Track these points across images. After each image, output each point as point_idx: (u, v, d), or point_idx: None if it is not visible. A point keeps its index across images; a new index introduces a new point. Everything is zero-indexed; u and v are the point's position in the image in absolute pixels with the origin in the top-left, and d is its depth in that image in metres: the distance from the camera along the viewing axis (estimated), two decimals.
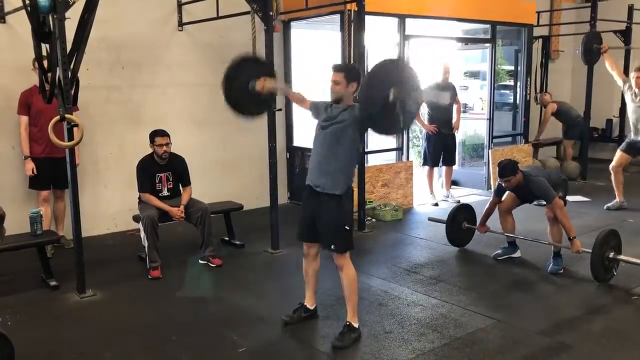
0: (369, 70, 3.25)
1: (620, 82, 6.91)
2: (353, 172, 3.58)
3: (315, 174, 3.56)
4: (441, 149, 7.20)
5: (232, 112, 3.95)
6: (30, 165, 5.10)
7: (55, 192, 5.34)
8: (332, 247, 3.51)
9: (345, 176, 3.51)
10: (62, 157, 4.88)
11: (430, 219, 5.95)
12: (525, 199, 4.97)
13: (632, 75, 6.60)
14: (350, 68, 3.56)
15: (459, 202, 7.25)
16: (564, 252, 4.81)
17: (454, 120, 7.29)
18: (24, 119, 5.07)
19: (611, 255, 4.37)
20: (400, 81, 3.17)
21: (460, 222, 5.36)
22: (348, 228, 3.54)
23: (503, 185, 4.79)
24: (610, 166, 6.91)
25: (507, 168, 4.65)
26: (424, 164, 7.39)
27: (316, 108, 3.70)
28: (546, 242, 4.87)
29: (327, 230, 3.53)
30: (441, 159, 7.28)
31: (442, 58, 7.64)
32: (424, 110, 7.30)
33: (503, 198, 5.06)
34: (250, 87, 3.78)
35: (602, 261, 4.34)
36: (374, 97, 3.14)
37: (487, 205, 5.15)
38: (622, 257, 4.41)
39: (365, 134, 5.23)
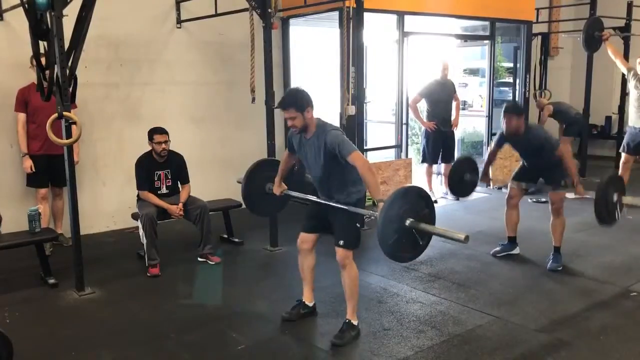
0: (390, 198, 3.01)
1: (624, 70, 6.84)
2: (357, 186, 3.52)
3: (324, 194, 3.59)
4: (440, 146, 7.18)
5: (246, 207, 4.07)
6: (28, 163, 5.10)
7: (53, 190, 5.33)
8: (341, 242, 3.48)
9: (352, 187, 3.49)
10: (60, 154, 4.85)
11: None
12: (532, 173, 4.86)
13: (639, 61, 6.54)
14: (297, 98, 3.39)
15: (457, 199, 7.27)
16: (563, 250, 4.82)
17: (453, 117, 7.29)
18: (22, 116, 5.06)
19: (615, 198, 4.29)
20: (416, 210, 3.06)
21: (462, 174, 5.22)
22: (359, 225, 3.56)
23: (504, 125, 4.67)
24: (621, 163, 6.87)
25: (514, 105, 4.70)
26: (422, 162, 7.38)
27: (291, 145, 3.67)
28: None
29: (339, 228, 3.52)
30: (440, 156, 7.27)
31: (441, 55, 7.63)
32: (423, 108, 7.30)
33: (509, 189, 5.03)
34: (267, 188, 3.92)
35: (606, 204, 4.25)
36: (389, 232, 3.01)
37: (486, 156, 5.14)
38: (626, 199, 4.31)
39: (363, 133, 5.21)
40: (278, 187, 3.85)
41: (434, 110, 7.13)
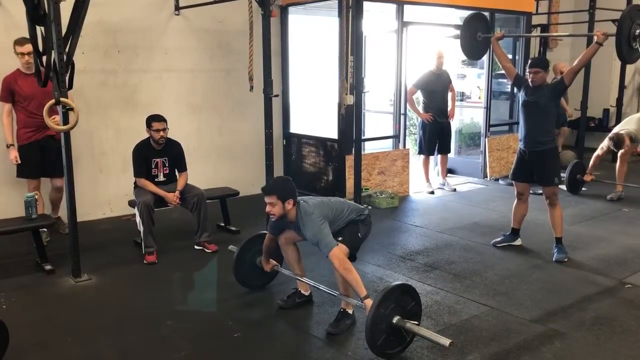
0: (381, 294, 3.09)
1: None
2: (355, 217, 3.59)
3: None
4: (437, 137, 7.18)
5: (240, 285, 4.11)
6: (13, 154, 4.93)
7: (53, 182, 5.16)
8: (339, 238, 3.48)
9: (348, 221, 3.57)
10: (53, 136, 4.83)
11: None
12: (527, 168, 4.87)
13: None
14: (281, 187, 3.43)
15: (454, 190, 7.28)
16: (565, 241, 4.83)
17: (449, 108, 7.28)
18: (7, 106, 4.91)
19: (638, 32, 4.20)
20: (402, 307, 3.13)
21: (474, 33, 5.15)
22: (360, 236, 3.60)
23: (530, 76, 4.68)
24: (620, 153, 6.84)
25: (540, 59, 4.75)
26: (419, 153, 7.39)
27: (273, 229, 3.69)
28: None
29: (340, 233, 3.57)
30: (437, 147, 7.27)
31: (437, 44, 7.61)
32: (419, 99, 7.29)
33: (515, 187, 5.04)
34: (257, 262, 3.98)
35: (628, 35, 4.19)
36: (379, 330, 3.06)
37: (499, 49, 5.10)
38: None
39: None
40: (267, 264, 3.91)
41: (430, 101, 7.12)
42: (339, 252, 3.30)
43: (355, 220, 3.60)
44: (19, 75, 4.86)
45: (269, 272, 3.98)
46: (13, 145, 4.95)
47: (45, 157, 5.03)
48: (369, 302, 3.09)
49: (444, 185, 7.40)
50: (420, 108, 7.19)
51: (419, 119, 7.26)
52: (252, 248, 4.03)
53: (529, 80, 4.68)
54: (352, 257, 3.55)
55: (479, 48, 5.29)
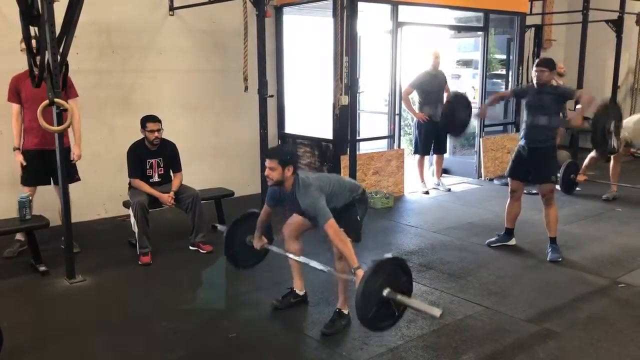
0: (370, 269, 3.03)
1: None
2: (350, 194, 3.59)
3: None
4: (432, 137, 7.19)
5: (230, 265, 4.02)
6: (18, 158, 4.72)
7: (57, 189, 4.79)
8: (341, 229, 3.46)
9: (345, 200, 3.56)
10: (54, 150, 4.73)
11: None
12: (523, 167, 4.90)
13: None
14: (284, 153, 3.51)
15: (449, 190, 7.30)
16: (558, 240, 4.86)
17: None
18: (15, 107, 4.73)
19: (612, 126, 4.28)
20: (395, 280, 3.08)
21: (455, 111, 5.38)
22: (359, 219, 3.61)
23: (535, 74, 4.72)
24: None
25: (548, 60, 4.79)
26: (415, 152, 7.40)
27: (271, 198, 3.68)
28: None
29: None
30: (432, 147, 7.28)
31: (432, 45, 7.62)
32: (414, 99, 7.30)
33: (510, 184, 5.04)
34: (247, 240, 3.90)
35: (602, 130, 4.27)
36: (369, 302, 3.01)
37: (494, 94, 5.21)
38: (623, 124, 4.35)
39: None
40: (258, 241, 3.86)
41: (426, 101, 7.13)
42: (334, 223, 3.29)
43: (351, 202, 3.58)
44: (25, 76, 4.61)
45: (259, 250, 3.88)
46: (18, 149, 4.75)
47: (46, 165, 4.73)
48: (360, 273, 3.05)
49: (438, 185, 7.42)
50: (415, 108, 7.21)
51: (415, 119, 7.27)
52: (241, 227, 3.94)
53: (535, 78, 4.71)
54: (357, 238, 3.57)
55: (463, 124, 5.36)
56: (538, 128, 4.76)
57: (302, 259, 3.70)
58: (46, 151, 4.65)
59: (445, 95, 7.26)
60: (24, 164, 4.72)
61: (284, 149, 3.54)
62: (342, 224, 3.46)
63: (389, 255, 3.29)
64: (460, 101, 5.21)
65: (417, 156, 7.33)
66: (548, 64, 4.71)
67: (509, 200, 5.09)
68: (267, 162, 3.44)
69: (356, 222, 3.61)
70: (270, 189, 3.63)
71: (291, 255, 3.75)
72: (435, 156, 7.46)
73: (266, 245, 3.89)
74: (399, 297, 3.01)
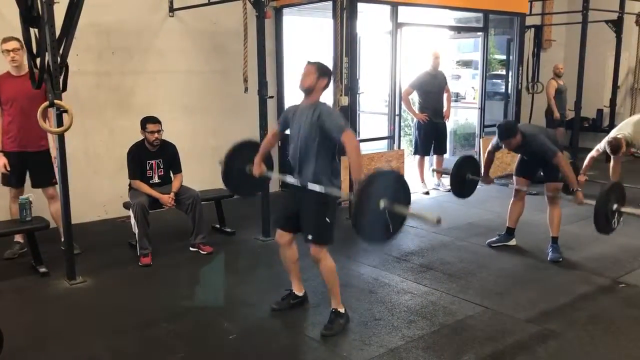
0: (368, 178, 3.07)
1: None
2: (336, 169, 3.56)
3: (300, 172, 3.54)
4: (432, 137, 7.20)
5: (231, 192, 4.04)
6: (1, 161, 4.62)
7: (45, 192, 4.86)
8: (309, 237, 3.47)
9: (327, 174, 3.48)
10: (36, 152, 4.71)
11: (433, 170, 5.85)
12: (531, 165, 4.90)
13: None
14: (323, 65, 3.50)
15: (449, 190, 7.27)
16: (559, 241, 4.85)
17: (445, 108, 7.29)
18: None
19: (615, 207, 4.32)
20: (392, 193, 3.07)
21: (464, 173, 5.22)
22: (329, 221, 3.49)
23: (503, 147, 4.76)
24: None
25: (507, 130, 4.64)
26: (415, 153, 7.40)
27: (283, 121, 3.69)
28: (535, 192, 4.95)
29: (307, 221, 3.51)
30: (432, 147, 7.28)
31: (432, 45, 7.63)
32: (415, 99, 7.30)
33: (515, 182, 5.04)
34: (247, 169, 3.86)
35: (605, 212, 4.28)
36: (364, 209, 3.03)
37: (485, 156, 5.12)
38: (625, 209, 4.33)
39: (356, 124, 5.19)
40: (258, 168, 3.79)
41: (426, 101, 7.14)
42: (352, 135, 3.31)
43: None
44: (6, 77, 4.67)
45: (259, 177, 3.83)
46: (2, 152, 4.67)
47: (27, 168, 4.75)
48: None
49: (438, 185, 7.41)
50: (415, 108, 7.21)
51: (414, 119, 7.27)
52: (240, 155, 3.92)
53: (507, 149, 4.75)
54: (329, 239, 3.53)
55: (468, 188, 5.33)
56: (536, 161, 4.82)
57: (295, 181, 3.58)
58: (22, 154, 4.68)
59: (445, 95, 7.26)
60: (8, 169, 4.65)
61: (326, 65, 3.53)
62: (306, 226, 3.49)
63: (386, 169, 3.25)
64: (469, 164, 5.32)
65: (417, 157, 7.33)
66: (507, 133, 4.60)
67: (512, 199, 5.08)
68: (305, 68, 3.46)
69: (324, 223, 3.49)
70: (285, 112, 3.66)
71: (288, 177, 3.65)
72: (435, 156, 7.46)
73: (265, 173, 3.83)
74: (397, 207, 2.99)
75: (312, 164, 3.46)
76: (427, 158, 7.43)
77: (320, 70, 3.45)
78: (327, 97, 6.50)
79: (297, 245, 3.76)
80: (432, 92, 7.10)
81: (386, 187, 3.04)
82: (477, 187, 5.29)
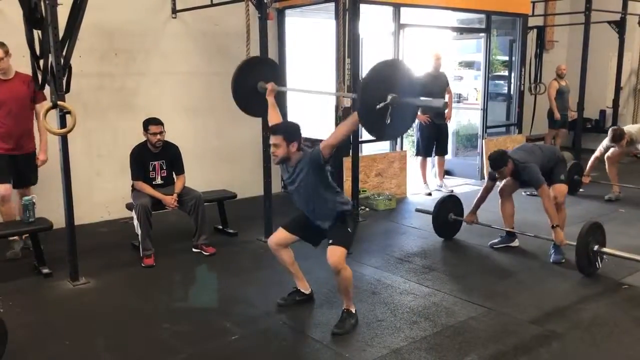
0: (369, 69, 3.12)
1: None
2: (342, 199, 3.60)
3: (312, 219, 3.64)
4: (434, 138, 7.20)
5: (240, 108, 4.07)
6: None
7: (22, 192, 4.88)
8: (330, 241, 3.50)
9: (336, 206, 3.55)
10: (25, 154, 4.76)
11: (417, 210, 5.93)
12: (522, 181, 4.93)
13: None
14: (288, 128, 3.51)
15: (452, 191, 7.28)
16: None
17: (446, 110, 7.29)
18: None
19: (595, 248, 4.37)
20: (400, 87, 3.09)
21: (446, 214, 5.34)
22: (350, 231, 3.57)
23: (497, 176, 4.83)
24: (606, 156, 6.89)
25: (497, 160, 4.71)
26: (417, 154, 7.40)
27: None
28: (531, 235, 4.92)
29: (331, 230, 3.58)
30: (434, 149, 7.28)
31: (433, 46, 7.62)
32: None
33: (501, 183, 5.05)
34: (258, 87, 3.90)
35: (586, 254, 4.34)
36: (369, 97, 3.05)
37: (480, 192, 5.14)
38: (605, 249, 4.39)
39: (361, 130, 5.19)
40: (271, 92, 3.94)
41: None
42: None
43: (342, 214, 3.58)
44: None
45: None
46: None
47: (16, 169, 4.77)
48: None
49: (441, 187, 7.41)
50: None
51: (416, 120, 7.26)
52: (251, 71, 3.94)
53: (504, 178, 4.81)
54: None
55: (451, 228, 5.40)
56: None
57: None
58: (14, 156, 4.72)
59: (447, 96, 7.25)
60: None
61: (288, 125, 3.52)
62: (330, 234, 3.54)
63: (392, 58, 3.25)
64: (451, 203, 5.41)
65: (420, 158, 7.33)
66: (500, 163, 4.68)
67: (500, 200, 5.09)
68: (272, 139, 3.46)
69: (347, 233, 3.57)
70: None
71: (301, 89, 3.74)
72: (437, 158, 7.46)
73: (277, 88, 3.92)
74: (405, 99, 3.01)
75: (322, 208, 3.54)
76: (429, 159, 7.43)
77: (286, 136, 3.44)
78: (329, 99, 6.53)
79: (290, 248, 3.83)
80: (434, 93, 7.06)
81: (389, 79, 3.05)
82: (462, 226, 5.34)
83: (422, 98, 3.10)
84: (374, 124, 3.14)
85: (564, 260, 4.71)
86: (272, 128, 3.55)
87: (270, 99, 3.99)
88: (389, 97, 3.03)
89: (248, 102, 4.07)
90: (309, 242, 3.79)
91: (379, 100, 3.03)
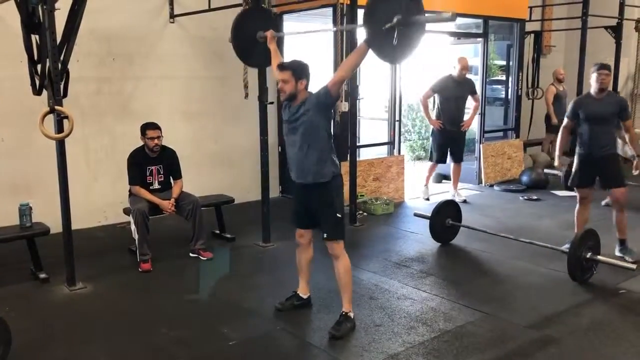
0: None
1: None
2: (334, 159, 3.56)
3: (298, 171, 3.57)
4: (447, 145, 7.02)
5: (239, 58, 4.14)
6: None
7: None
8: (325, 235, 3.54)
9: (327, 164, 3.50)
10: None
11: (416, 215, 5.91)
12: (588, 174, 4.87)
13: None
14: (297, 65, 3.46)
15: (465, 201, 6.98)
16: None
17: (467, 117, 7.09)
18: None
19: (588, 255, 4.37)
20: (405, 9, 3.14)
21: (444, 219, 5.33)
22: (340, 216, 3.56)
23: (597, 80, 4.74)
24: None
25: (607, 64, 4.80)
26: (430, 159, 7.25)
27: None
28: (527, 241, 4.93)
29: (320, 219, 3.58)
30: (448, 155, 7.10)
31: (460, 53, 7.40)
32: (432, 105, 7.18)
33: (578, 193, 4.98)
34: (257, 37, 3.93)
35: (579, 262, 4.34)
36: (377, 19, 3.09)
37: (560, 135, 5.04)
38: (598, 257, 4.38)
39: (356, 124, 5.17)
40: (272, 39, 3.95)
41: (444, 107, 6.94)
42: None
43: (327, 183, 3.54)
44: None
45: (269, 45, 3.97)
46: None
47: None
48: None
49: (454, 197, 7.02)
50: (433, 114, 7.09)
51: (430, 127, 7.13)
52: (248, 23, 3.98)
53: (599, 82, 4.74)
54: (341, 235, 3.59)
55: (449, 233, 5.40)
56: (603, 135, 4.78)
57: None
58: None
59: (474, 105, 7.07)
60: None
61: (297, 61, 3.50)
62: (322, 225, 3.54)
63: None
64: (449, 208, 5.42)
65: (431, 162, 7.22)
66: (609, 68, 4.78)
67: (578, 206, 4.99)
68: (280, 75, 3.42)
69: (336, 219, 3.54)
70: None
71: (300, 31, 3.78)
72: (452, 165, 7.21)
73: (276, 34, 3.94)
74: (411, 18, 3.08)
75: (311, 160, 3.47)
76: (439, 166, 7.27)
77: (296, 73, 3.41)
78: None
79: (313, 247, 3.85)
80: (451, 98, 6.88)
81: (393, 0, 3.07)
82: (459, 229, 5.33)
83: (427, 15, 3.15)
84: (383, 47, 3.16)
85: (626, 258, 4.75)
86: (282, 64, 3.51)
87: (273, 46, 4.00)
88: (395, 19, 3.08)
89: (250, 54, 4.11)
90: (316, 227, 3.72)
91: (386, 22, 3.08)
